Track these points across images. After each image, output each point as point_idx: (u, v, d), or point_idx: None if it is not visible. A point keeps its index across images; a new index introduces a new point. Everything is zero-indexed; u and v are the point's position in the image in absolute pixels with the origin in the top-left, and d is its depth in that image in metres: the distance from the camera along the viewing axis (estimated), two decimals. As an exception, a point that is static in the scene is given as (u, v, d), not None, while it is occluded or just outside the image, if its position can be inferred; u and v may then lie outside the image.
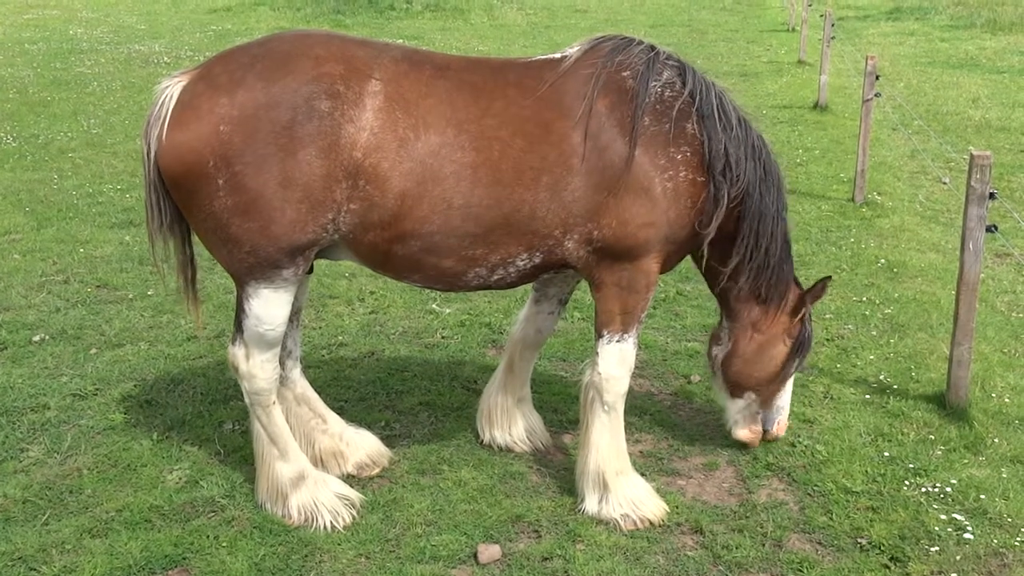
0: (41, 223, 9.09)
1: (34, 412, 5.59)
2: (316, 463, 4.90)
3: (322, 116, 4.12)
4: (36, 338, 6.56)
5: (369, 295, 7.49)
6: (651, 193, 4.36)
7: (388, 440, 5.28)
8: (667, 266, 4.68)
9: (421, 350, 6.55)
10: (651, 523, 4.64)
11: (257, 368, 4.49)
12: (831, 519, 4.68)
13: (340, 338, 6.72)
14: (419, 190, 4.20)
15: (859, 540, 4.54)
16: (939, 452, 5.26)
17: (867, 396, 5.90)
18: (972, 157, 5.50)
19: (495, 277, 4.51)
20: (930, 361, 6.35)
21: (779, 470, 5.12)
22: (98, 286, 7.57)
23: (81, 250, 8.37)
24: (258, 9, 26.74)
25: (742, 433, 5.22)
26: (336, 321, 7.01)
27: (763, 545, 4.50)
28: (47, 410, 5.61)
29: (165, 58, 19.09)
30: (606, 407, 4.69)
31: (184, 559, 4.33)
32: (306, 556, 4.37)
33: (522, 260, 4.46)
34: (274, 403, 4.62)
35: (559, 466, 5.15)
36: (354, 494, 4.73)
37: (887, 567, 4.36)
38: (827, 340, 6.73)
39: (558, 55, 4.61)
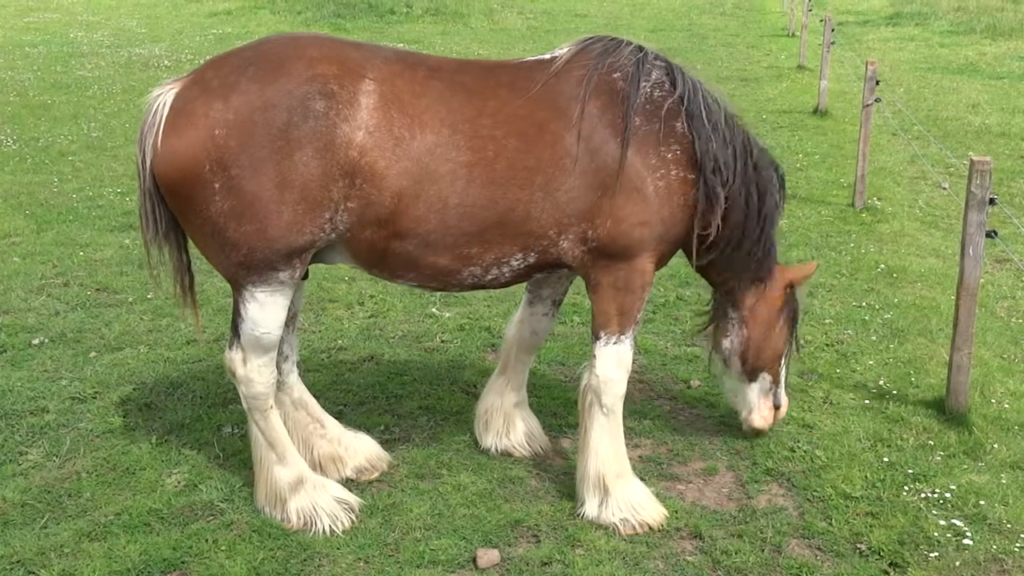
0: (41, 226, 9.10)
1: (33, 415, 5.58)
2: (315, 468, 4.89)
3: (317, 116, 4.14)
4: (35, 341, 6.56)
5: (369, 299, 7.48)
6: (644, 192, 4.41)
7: (387, 444, 5.28)
8: (659, 264, 4.73)
9: (421, 354, 6.55)
10: (650, 528, 4.64)
11: (254, 372, 4.49)
12: (830, 524, 4.68)
13: (339, 342, 6.72)
14: (416, 189, 4.23)
15: (858, 546, 4.53)
16: (938, 458, 5.26)
17: (866, 401, 5.90)
18: (972, 163, 5.50)
19: (489, 276, 4.55)
20: (930, 366, 6.35)
21: (778, 475, 5.12)
22: (98, 289, 7.57)
23: (81, 253, 8.37)
24: (258, 13, 26.76)
25: (759, 417, 5.30)
26: (335, 325, 7.01)
27: (762, 551, 4.49)
28: (46, 413, 5.60)
29: (165, 61, 19.10)
30: (605, 409, 4.69)
31: (183, 563, 4.33)
32: (305, 560, 4.37)
33: (516, 260, 4.50)
34: (272, 407, 4.62)
35: (558, 470, 5.14)
36: (353, 498, 4.72)
37: (886, 573, 4.36)
38: (827, 345, 6.73)
39: (547, 56, 4.67)
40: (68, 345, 6.53)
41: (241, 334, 4.45)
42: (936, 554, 4.45)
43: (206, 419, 5.56)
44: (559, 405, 5.82)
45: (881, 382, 6.15)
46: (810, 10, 21.24)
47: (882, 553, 4.46)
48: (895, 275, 8.14)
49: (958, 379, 5.67)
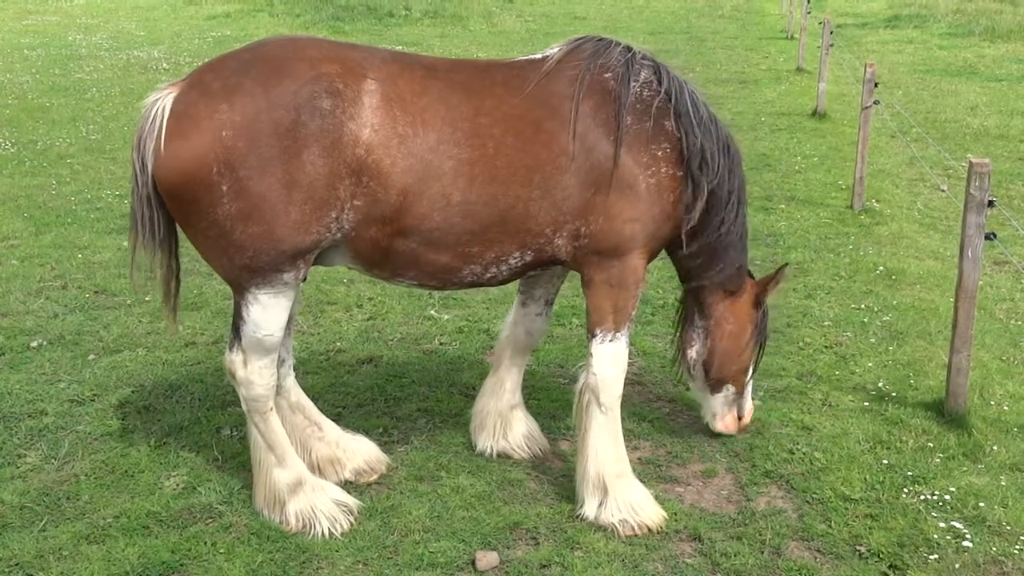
0: (39, 229, 9.09)
1: (32, 418, 5.58)
2: (313, 470, 4.89)
3: (324, 115, 4.16)
4: (34, 344, 6.55)
5: (367, 301, 7.48)
6: (636, 190, 4.50)
7: (386, 446, 5.27)
8: (649, 260, 4.79)
9: (419, 356, 6.54)
10: (649, 529, 4.64)
11: (255, 374, 4.49)
12: (830, 527, 4.68)
13: (338, 344, 6.71)
14: (420, 186, 4.28)
15: (858, 548, 4.53)
16: (938, 460, 5.25)
17: (866, 403, 5.90)
18: (971, 165, 5.50)
19: (488, 275, 4.61)
20: (929, 368, 6.35)
21: (778, 477, 5.11)
22: (96, 292, 7.57)
23: (79, 256, 8.36)
24: (257, 16, 26.78)
25: (722, 424, 5.37)
26: (334, 327, 7.00)
27: (762, 553, 4.49)
28: (45, 416, 5.60)
29: (164, 64, 19.10)
30: (603, 408, 4.71)
31: (181, 565, 4.32)
32: (304, 563, 4.36)
33: (515, 258, 4.57)
34: (271, 410, 4.61)
35: (557, 473, 5.14)
36: (352, 501, 4.72)
37: (886, 575, 4.36)
38: (825, 347, 6.73)
39: (539, 56, 4.75)
40: (66, 347, 6.52)
41: (242, 336, 4.44)
42: (936, 556, 4.45)
43: (205, 422, 5.56)
44: (558, 407, 5.81)
45: (880, 384, 6.14)
46: (809, 12, 21.25)
47: (881, 555, 4.46)
48: (894, 277, 8.14)
49: (957, 381, 5.67)
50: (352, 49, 4.46)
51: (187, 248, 4.64)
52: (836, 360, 6.52)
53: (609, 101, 4.52)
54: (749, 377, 5.34)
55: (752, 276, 5.27)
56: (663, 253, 5.01)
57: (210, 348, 6.56)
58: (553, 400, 5.90)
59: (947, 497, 4.89)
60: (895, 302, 7.56)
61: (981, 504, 4.83)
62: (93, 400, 5.81)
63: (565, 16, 29.26)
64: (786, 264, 5.27)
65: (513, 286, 5.40)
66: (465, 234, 4.41)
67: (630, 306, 4.68)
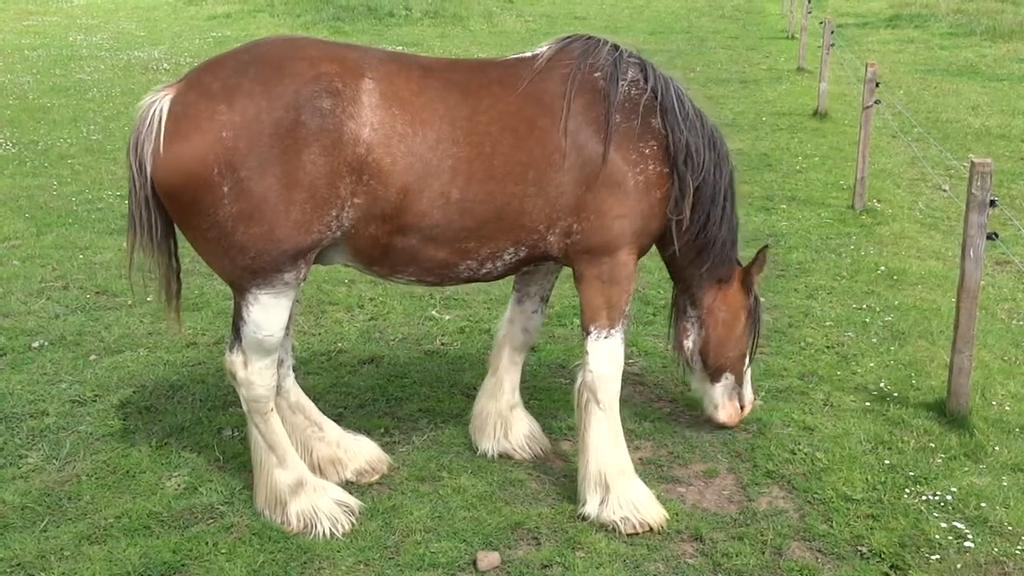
0: (41, 229, 9.09)
1: (33, 418, 5.58)
2: (314, 471, 4.89)
3: (324, 114, 4.18)
4: (35, 344, 6.55)
5: (368, 301, 7.48)
6: (624, 187, 4.58)
7: (387, 447, 5.27)
8: (639, 255, 4.84)
9: (421, 356, 6.54)
10: (651, 528, 4.63)
11: (255, 375, 4.49)
12: (831, 527, 4.68)
13: (339, 344, 6.71)
14: (420, 184, 4.32)
15: (859, 548, 4.53)
16: (939, 460, 5.25)
17: (867, 404, 5.90)
18: (973, 164, 5.50)
19: (484, 270, 4.68)
20: (930, 369, 6.34)
21: (779, 478, 5.11)
22: (97, 292, 7.57)
23: (80, 256, 8.37)
24: (257, 16, 26.77)
25: (724, 414, 5.42)
26: (335, 327, 7.00)
27: (763, 553, 4.49)
28: (46, 416, 5.60)
29: (164, 64, 19.10)
30: (602, 406, 4.74)
31: (183, 566, 4.32)
32: (305, 563, 4.36)
33: (509, 254, 4.64)
34: (272, 410, 4.61)
35: (558, 473, 5.14)
36: (353, 501, 4.72)
37: (887, 575, 4.35)
38: (827, 347, 6.72)
39: (529, 54, 4.83)
40: (68, 348, 6.52)
41: (243, 337, 4.44)
42: (937, 556, 4.44)
43: (206, 422, 5.56)
44: (559, 407, 5.81)
45: (882, 384, 6.14)
46: (809, 12, 21.23)
47: (883, 555, 4.46)
48: (895, 277, 8.13)
49: (959, 381, 5.67)
50: (349, 49, 4.50)
51: (189, 248, 4.64)
52: (838, 360, 6.52)
53: (599, 100, 4.60)
54: (747, 365, 5.39)
55: (740, 264, 5.32)
56: (654, 250, 5.06)
57: (211, 349, 6.56)
58: (554, 400, 5.90)
59: (949, 497, 4.88)
60: (897, 302, 7.55)
61: (983, 504, 4.83)
62: (95, 400, 5.81)
63: (565, 16, 29.26)
64: (766, 246, 5.35)
65: (509, 285, 5.41)
66: (463, 231, 4.47)
67: (623, 301, 4.73)
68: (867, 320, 7.20)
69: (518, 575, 4.32)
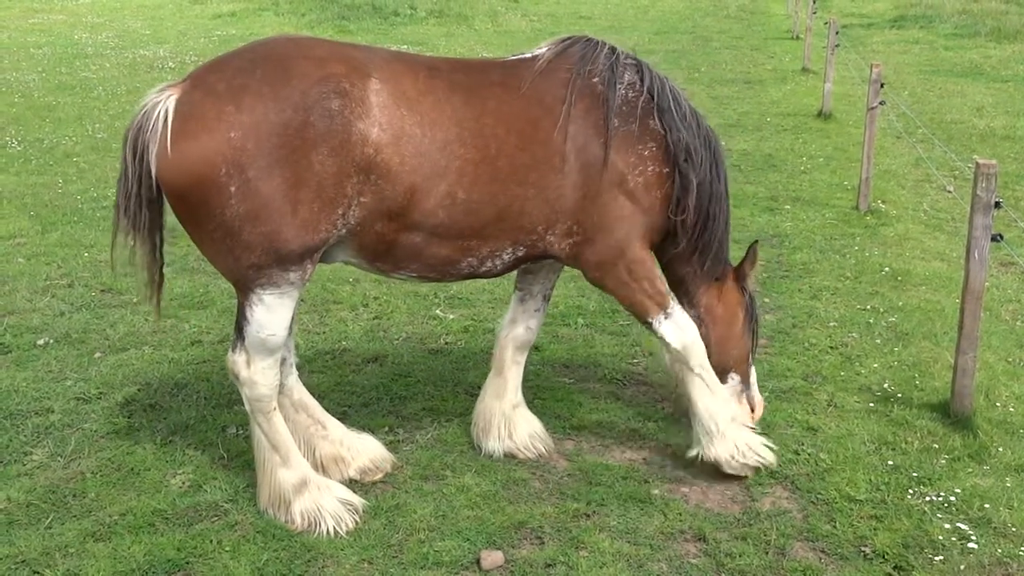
0: (46, 227, 9.11)
1: (38, 416, 5.59)
2: (318, 469, 4.89)
3: (333, 115, 4.19)
4: (40, 342, 6.57)
5: (373, 300, 7.49)
6: (624, 188, 4.66)
7: (391, 445, 5.28)
8: (650, 248, 4.94)
9: (425, 355, 6.55)
10: (762, 468, 5.00)
11: (258, 374, 4.50)
12: (835, 527, 4.68)
13: (344, 343, 6.72)
14: (427, 184, 4.37)
15: (863, 549, 4.53)
16: (943, 461, 5.25)
17: (871, 404, 5.90)
18: (978, 166, 5.50)
19: (484, 268, 4.75)
20: (934, 370, 6.34)
21: (783, 478, 5.11)
22: (102, 290, 7.58)
23: (86, 254, 8.38)
24: (262, 15, 26.79)
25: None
26: (339, 326, 7.01)
27: (766, 553, 4.49)
28: (51, 414, 5.61)
29: (170, 63, 19.13)
30: (697, 371, 4.95)
31: (187, 563, 4.33)
32: (309, 561, 4.37)
33: (507, 253, 4.72)
34: (275, 409, 4.62)
35: (562, 472, 5.14)
36: (357, 499, 4.73)
37: (891, 576, 4.36)
38: (831, 348, 6.72)
39: (529, 55, 4.89)
40: (73, 346, 6.53)
41: (246, 336, 4.45)
42: (941, 558, 4.44)
43: (210, 420, 5.57)
44: (563, 407, 5.81)
45: (886, 385, 6.14)
46: (814, 13, 21.23)
47: (886, 556, 4.46)
48: (900, 278, 8.13)
49: (963, 382, 5.66)
50: (354, 48, 4.52)
51: (193, 248, 4.64)
52: (841, 361, 6.52)
53: (598, 104, 4.69)
54: (750, 365, 5.41)
55: (730, 263, 5.36)
56: None
57: (216, 347, 6.57)
58: (558, 400, 5.90)
59: (952, 498, 4.88)
60: (901, 303, 7.55)
61: (986, 505, 4.83)
62: (99, 398, 5.82)
63: (570, 16, 29.25)
64: (756, 241, 5.41)
65: (512, 284, 5.42)
66: (466, 229, 4.54)
67: (658, 284, 4.89)
68: (871, 321, 7.20)
69: (521, 574, 4.32)
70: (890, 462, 5.22)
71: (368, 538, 4.53)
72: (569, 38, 4.91)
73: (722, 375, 5.30)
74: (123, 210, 4.41)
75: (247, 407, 4.62)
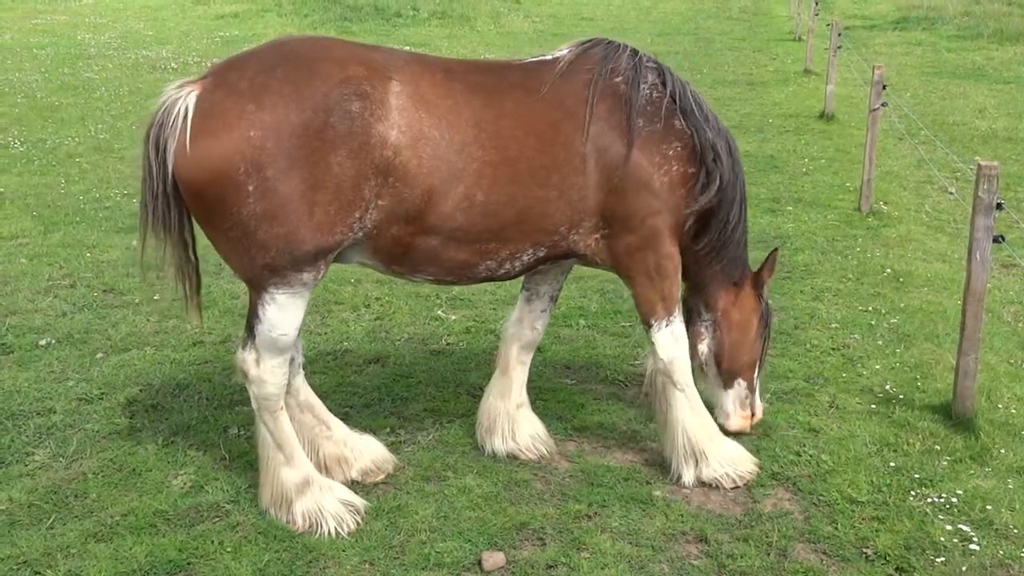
0: (48, 228, 9.11)
1: (40, 416, 5.59)
2: (320, 469, 4.90)
3: (353, 117, 4.20)
4: (42, 342, 6.57)
5: (375, 301, 7.49)
6: (651, 188, 4.69)
7: (393, 446, 5.28)
8: (679, 245, 4.96)
9: (427, 356, 6.55)
10: (747, 481, 5.01)
11: (267, 373, 4.50)
12: (836, 529, 4.67)
13: (345, 344, 6.72)
14: (445, 187, 4.37)
15: (864, 550, 4.53)
16: (945, 462, 5.25)
17: (873, 406, 5.89)
18: (979, 167, 5.50)
19: (502, 270, 4.75)
20: (936, 371, 6.34)
21: (784, 479, 5.11)
22: (104, 291, 7.59)
23: (88, 255, 8.39)
24: (265, 16, 26.81)
25: (735, 423, 5.43)
26: (341, 327, 7.01)
27: (768, 554, 4.49)
28: (53, 414, 5.61)
29: (172, 64, 19.14)
30: (679, 386, 4.97)
31: (189, 564, 4.33)
32: (310, 562, 4.37)
33: (528, 254, 4.72)
34: (281, 408, 4.62)
35: (563, 473, 5.14)
36: (359, 500, 4.73)
37: (892, 577, 4.36)
38: (833, 349, 6.72)
39: (549, 57, 4.89)
40: (75, 346, 6.54)
41: (257, 335, 4.45)
42: (942, 559, 4.44)
43: (212, 421, 5.57)
44: (565, 408, 5.81)
45: (887, 387, 6.14)
46: (817, 14, 21.22)
47: (888, 558, 4.46)
48: (901, 279, 8.13)
49: (965, 384, 5.66)
50: (373, 50, 4.52)
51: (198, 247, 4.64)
52: (843, 362, 6.52)
53: (621, 104, 4.69)
54: (758, 373, 5.43)
55: (749, 268, 5.37)
56: None
57: (218, 347, 6.57)
58: (560, 401, 5.90)
59: (954, 500, 4.88)
60: (903, 304, 7.55)
61: (988, 507, 4.83)
62: (101, 398, 5.82)
63: (572, 17, 29.26)
64: (776, 248, 5.42)
65: (515, 284, 5.43)
66: (485, 232, 4.53)
67: (675, 290, 4.91)
68: (873, 322, 7.19)
69: (523, 575, 4.32)
70: (892, 463, 5.22)
71: (370, 539, 4.53)
72: (590, 40, 4.93)
73: (729, 380, 5.34)
74: (151, 211, 4.37)
75: (254, 405, 4.62)
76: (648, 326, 4.95)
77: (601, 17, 29.74)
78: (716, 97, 16.60)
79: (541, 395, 5.91)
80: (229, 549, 4.42)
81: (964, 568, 4.39)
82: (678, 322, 4.97)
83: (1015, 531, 4.66)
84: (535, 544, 4.56)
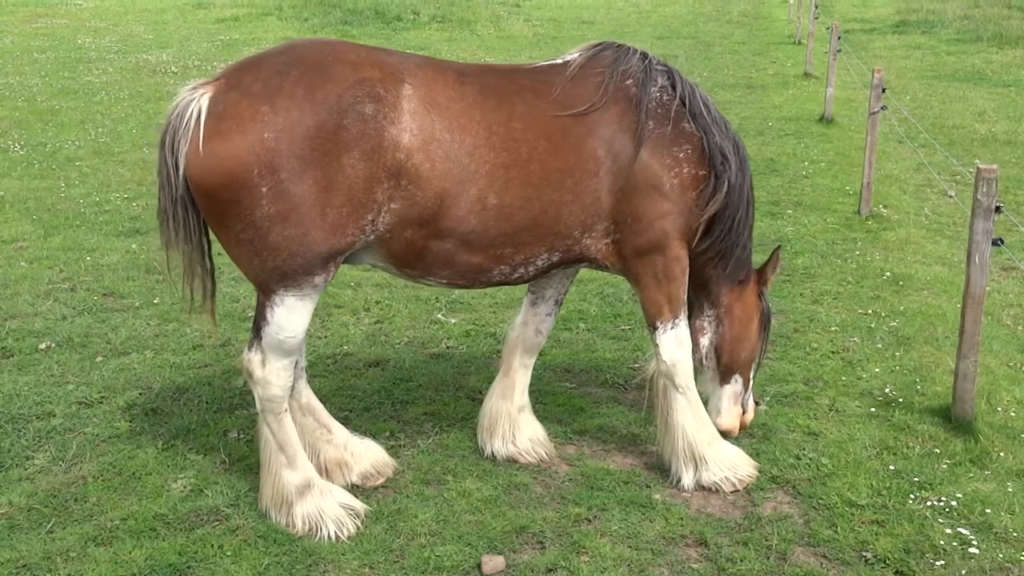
0: (48, 231, 9.12)
1: (40, 420, 5.60)
2: (321, 473, 4.90)
3: (366, 120, 4.21)
4: (42, 346, 6.57)
5: (375, 304, 7.49)
6: (661, 190, 4.71)
7: (393, 450, 5.28)
8: (688, 248, 4.97)
9: (426, 360, 6.55)
10: (747, 484, 5.02)
11: (273, 375, 4.50)
12: (836, 532, 4.67)
13: (345, 348, 6.73)
14: (457, 189, 4.38)
15: (864, 554, 4.53)
16: (944, 466, 5.25)
17: (872, 409, 5.89)
18: (978, 170, 5.50)
19: (516, 275, 4.76)
20: (936, 374, 6.34)
21: (784, 483, 5.11)
22: (104, 294, 7.59)
23: (88, 258, 8.39)
24: (266, 19, 26.83)
25: (727, 420, 5.42)
26: (341, 331, 7.01)
27: (768, 558, 4.49)
28: (53, 418, 5.62)
29: (173, 67, 19.16)
30: (681, 389, 4.98)
31: (188, 568, 4.33)
32: (310, 566, 4.37)
33: (542, 259, 4.74)
34: (285, 411, 4.62)
35: (563, 477, 5.14)
36: (358, 504, 4.73)
37: (892, 581, 4.36)
38: (832, 352, 6.72)
39: (560, 60, 4.91)
40: (75, 350, 6.54)
41: (263, 336, 4.45)
42: (942, 563, 4.44)
43: (212, 424, 5.57)
44: (564, 412, 5.82)
45: (887, 390, 6.14)
46: (816, 18, 21.24)
47: (888, 561, 4.46)
48: (901, 283, 8.13)
49: (964, 387, 5.66)
50: (386, 53, 4.54)
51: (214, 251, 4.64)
52: (843, 365, 6.52)
53: (632, 107, 4.71)
54: (754, 371, 5.46)
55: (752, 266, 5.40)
56: None
57: (217, 351, 6.58)
58: (560, 404, 5.91)
59: (953, 503, 4.88)
60: (902, 308, 7.55)
61: (988, 510, 4.82)
62: (101, 402, 5.83)
63: (573, 21, 29.28)
64: (779, 246, 5.48)
65: (521, 288, 5.43)
66: (499, 236, 4.54)
67: (681, 293, 4.93)
68: (872, 325, 7.20)
69: (522, 579, 4.33)
70: (891, 467, 5.22)
71: (369, 543, 4.53)
72: (600, 43, 4.95)
73: (727, 376, 5.35)
74: (171, 216, 4.37)
75: (258, 407, 4.62)
76: (653, 328, 4.96)
77: (601, 21, 29.75)
78: (716, 100, 16.57)
79: (541, 398, 5.91)
80: (229, 553, 4.42)
81: (964, 572, 4.39)
82: (683, 325, 4.98)
83: (1015, 534, 4.66)
84: (535, 548, 4.56)
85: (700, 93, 4.91)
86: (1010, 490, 5.01)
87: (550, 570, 4.38)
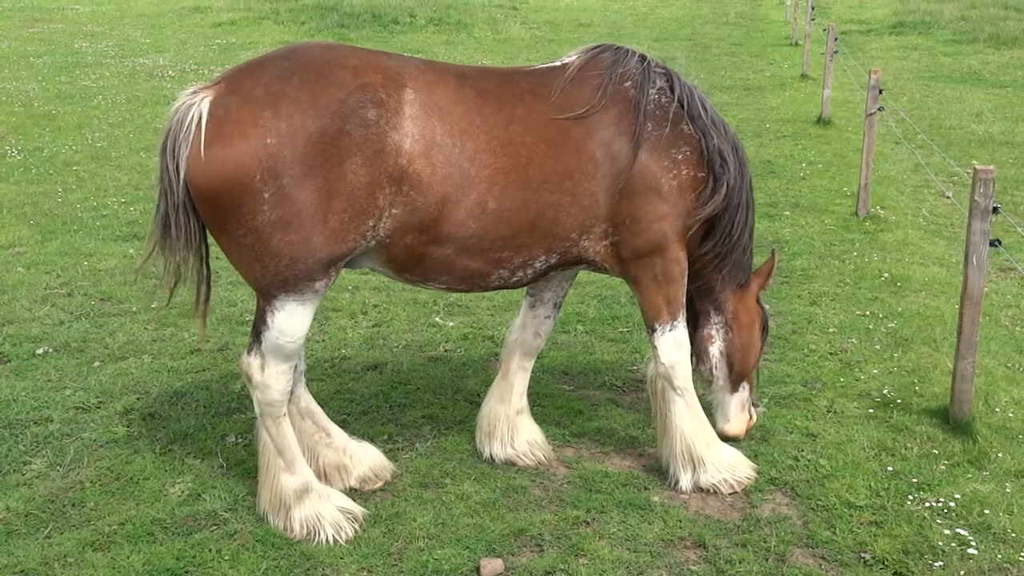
0: (45, 236, 9.12)
1: (37, 425, 5.59)
2: (320, 476, 4.89)
3: (369, 125, 4.20)
4: (40, 351, 6.57)
5: (372, 308, 7.49)
6: (660, 192, 4.70)
7: (391, 454, 5.28)
8: (687, 250, 4.96)
9: (424, 363, 6.55)
10: (745, 486, 5.01)
11: (272, 379, 4.49)
12: (834, 534, 4.67)
13: (343, 351, 6.72)
14: (458, 194, 4.38)
15: (863, 555, 4.52)
16: (943, 467, 5.25)
17: (871, 410, 5.89)
18: (976, 171, 5.50)
19: (515, 278, 4.76)
20: (934, 375, 6.34)
21: (782, 484, 5.11)
22: (102, 299, 7.58)
23: (85, 263, 8.39)
24: (262, 23, 26.82)
25: (735, 427, 5.41)
26: (339, 334, 7.01)
27: (766, 560, 4.49)
28: (50, 423, 5.61)
29: (170, 71, 19.16)
30: (679, 391, 4.98)
31: (186, 573, 4.33)
32: (308, 570, 4.37)
33: (540, 261, 4.73)
34: (284, 415, 4.62)
35: (561, 479, 5.14)
36: (357, 508, 4.72)
37: (891, 582, 4.35)
38: (830, 354, 6.72)
39: (558, 63, 4.90)
40: (72, 355, 6.53)
41: (263, 341, 4.45)
42: (940, 563, 4.44)
43: (209, 429, 5.56)
44: (563, 414, 5.81)
45: (885, 391, 6.14)
46: (813, 19, 21.26)
47: (886, 562, 4.45)
48: (899, 284, 8.13)
49: (962, 388, 5.66)
50: (387, 57, 4.52)
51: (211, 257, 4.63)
52: (841, 367, 6.52)
53: (631, 109, 4.71)
54: (756, 371, 5.47)
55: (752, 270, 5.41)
56: None
57: (215, 355, 6.57)
58: (558, 407, 5.90)
59: (952, 504, 4.88)
60: (900, 309, 7.55)
61: (986, 511, 4.82)
62: (98, 407, 5.82)
63: (570, 23, 29.29)
64: (775, 249, 5.51)
65: (519, 291, 5.43)
66: (498, 240, 4.54)
67: (680, 295, 4.92)
68: (870, 327, 7.20)
69: (521, 582, 4.32)
70: (890, 468, 5.22)
71: (367, 546, 4.53)
72: (598, 46, 4.94)
73: (737, 383, 5.34)
74: (173, 222, 4.34)
75: (257, 410, 4.61)
76: (652, 330, 4.96)
77: (598, 23, 29.76)
78: (714, 102, 16.59)
79: (539, 401, 5.91)
80: (227, 557, 4.42)
81: (962, 572, 4.39)
82: (681, 327, 4.97)
83: (1013, 535, 4.66)
84: (533, 550, 4.56)
85: (698, 95, 4.91)
86: (1008, 490, 5.01)
87: (549, 573, 4.38)
